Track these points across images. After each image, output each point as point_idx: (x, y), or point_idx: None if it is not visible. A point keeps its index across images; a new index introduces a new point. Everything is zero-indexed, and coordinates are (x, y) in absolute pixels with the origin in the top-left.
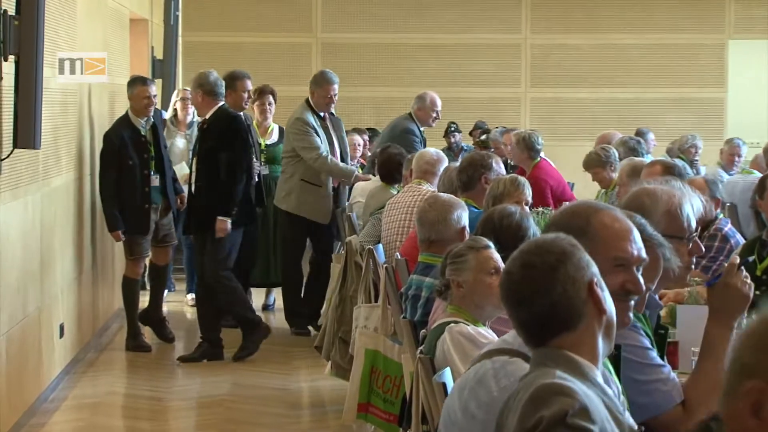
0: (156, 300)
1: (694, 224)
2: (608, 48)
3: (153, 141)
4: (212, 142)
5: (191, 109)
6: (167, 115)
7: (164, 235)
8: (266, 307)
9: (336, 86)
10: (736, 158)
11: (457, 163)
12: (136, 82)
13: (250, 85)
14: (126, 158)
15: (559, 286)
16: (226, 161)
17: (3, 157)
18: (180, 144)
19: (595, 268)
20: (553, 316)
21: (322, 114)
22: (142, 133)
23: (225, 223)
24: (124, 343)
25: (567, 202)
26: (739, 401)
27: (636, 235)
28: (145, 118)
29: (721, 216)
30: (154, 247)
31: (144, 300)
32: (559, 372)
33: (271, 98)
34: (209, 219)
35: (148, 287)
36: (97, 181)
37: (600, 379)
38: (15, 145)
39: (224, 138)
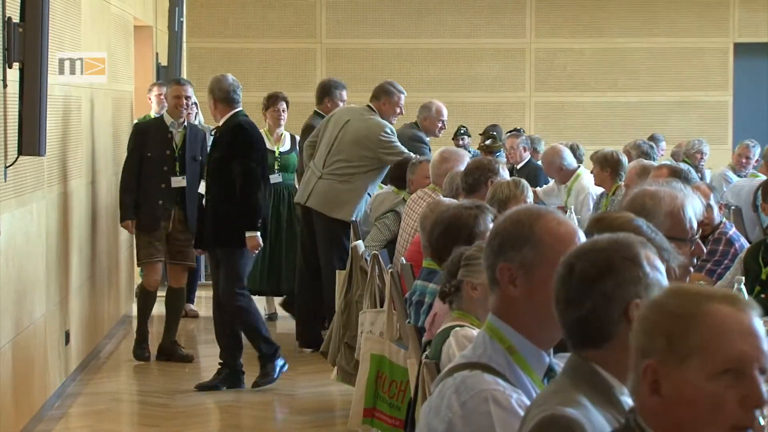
0: (171, 330)
1: (696, 226)
2: (612, 52)
3: (181, 144)
4: (223, 152)
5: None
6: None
7: (178, 251)
8: (271, 317)
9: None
10: (745, 160)
11: (461, 167)
12: (170, 82)
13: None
14: (145, 149)
15: (589, 302)
16: (241, 172)
17: (8, 165)
18: None
19: (640, 288)
20: (579, 331)
21: None
22: (169, 130)
23: (255, 239)
24: (132, 350)
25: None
26: (641, 383)
27: (581, 236)
28: (178, 119)
29: (725, 220)
30: (167, 263)
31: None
32: (579, 396)
33: (284, 105)
34: (222, 234)
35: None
36: (102, 187)
37: (626, 397)
38: (20, 152)
39: (236, 147)
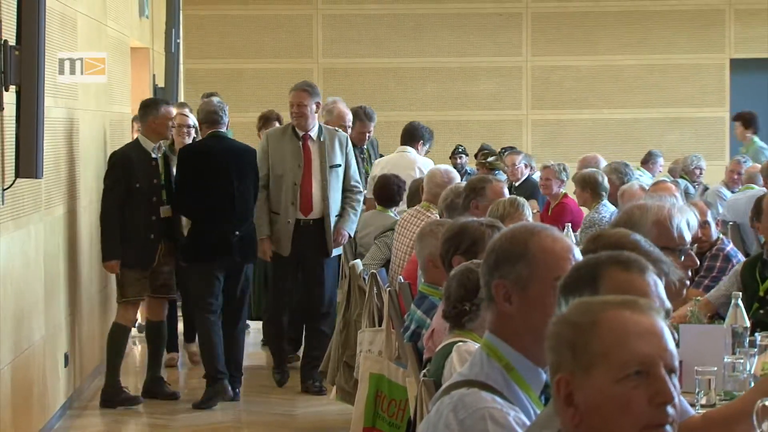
0: (156, 365)
1: (687, 237)
2: (608, 69)
3: (165, 170)
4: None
5: (189, 138)
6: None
7: (162, 284)
8: None
9: None
10: (737, 176)
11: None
12: (160, 104)
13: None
14: (132, 180)
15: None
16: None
17: (5, 187)
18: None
19: None
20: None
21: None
22: (153, 156)
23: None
24: (105, 396)
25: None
26: (557, 397)
27: (576, 252)
28: (158, 144)
29: (722, 236)
30: (148, 297)
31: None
32: None
33: (277, 125)
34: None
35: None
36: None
37: None
38: (17, 175)
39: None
